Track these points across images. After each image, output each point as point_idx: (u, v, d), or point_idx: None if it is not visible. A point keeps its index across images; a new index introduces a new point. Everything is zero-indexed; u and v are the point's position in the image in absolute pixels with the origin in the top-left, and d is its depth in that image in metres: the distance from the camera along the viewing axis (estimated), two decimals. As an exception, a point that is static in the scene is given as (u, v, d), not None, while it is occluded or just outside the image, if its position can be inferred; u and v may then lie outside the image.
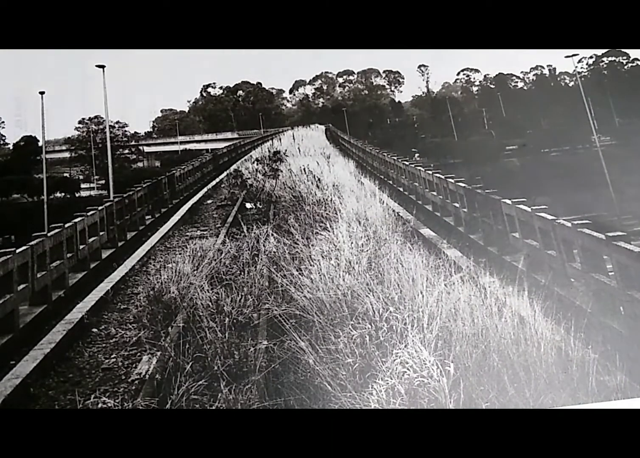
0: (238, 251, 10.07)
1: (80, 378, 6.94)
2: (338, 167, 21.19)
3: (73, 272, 10.70)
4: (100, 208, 12.90)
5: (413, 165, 17.60)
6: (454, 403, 4.94)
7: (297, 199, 15.36)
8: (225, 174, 26.32)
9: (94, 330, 8.39)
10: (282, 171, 20.95)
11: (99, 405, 5.79)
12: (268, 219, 13.87)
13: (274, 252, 9.66)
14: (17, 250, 8.60)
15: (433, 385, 5.09)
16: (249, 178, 21.69)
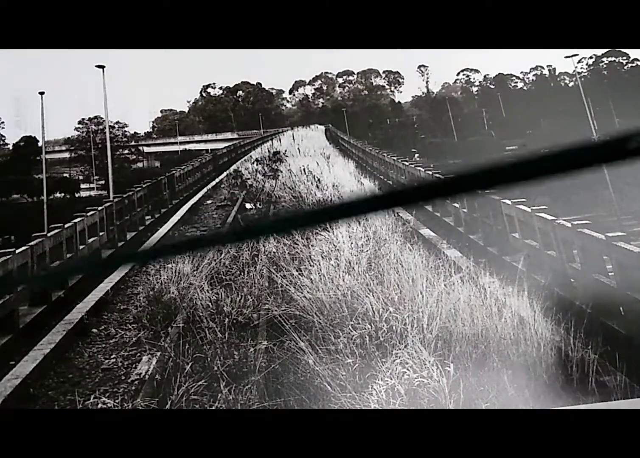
0: (238, 251, 10.06)
1: (80, 378, 6.93)
2: (338, 168, 21.21)
3: (73, 273, 10.70)
4: (100, 208, 12.90)
5: (413, 166, 17.61)
6: (453, 403, 4.94)
7: (296, 199, 15.37)
8: (225, 174, 26.31)
9: (94, 330, 8.38)
10: (281, 171, 20.97)
11: (99, 406, 5.79)
12: (268, 219, 13.86)
13: (274, 252, 9.66)
14: (17, 251, 8.60)
15: (433, 385, 5.09)
16: (248, 178, 21.69)
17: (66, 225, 10.74)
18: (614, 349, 5.92)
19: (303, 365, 5.90)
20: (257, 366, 6.09)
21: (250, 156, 30.31)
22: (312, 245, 9.43)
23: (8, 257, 8.19)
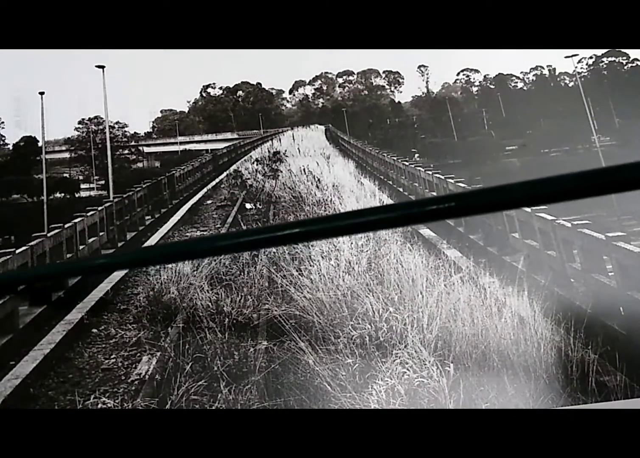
0: (238, 251, 10.06)
1: (80, 378, 6.93)
2: (338, 168, 21.19)
3: (73, 273, 10.69)
4: (100, 208, 12.90)
5: (413, 166, 17.61)
6: (453, 403, 4.94)
7: (296, 200, 15.37)
8: (225, 174, 26.27)
9: (94, 330, 8.38)
10: (281, 171, 20.94)
11: (99, 406, 5.79)
12: (268, 219, 13.86)
13: (274, 252, 9.65)
14: (17, 251, 8.60)
15: (433, 385, 5.09)
16: (248, 178, 21.67)
17: (66, 225, 10.74)
18: (614, 349, 5.92)
19: (303, 365, 5.91)
20: (257, 366, 6.09)
21: (250, 156, 30.27)
22: (312, 245, 9.43)
23: (8, 257, 8.19)
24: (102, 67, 24.36)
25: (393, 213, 0.69)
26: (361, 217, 0.69)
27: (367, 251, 8.77)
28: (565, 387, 5.34)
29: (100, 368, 7.13)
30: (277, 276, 8.10)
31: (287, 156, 26.30)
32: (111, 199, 14.84)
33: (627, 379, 5.50)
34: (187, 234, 14.70)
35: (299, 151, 28.06)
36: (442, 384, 5.07)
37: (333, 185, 16.43)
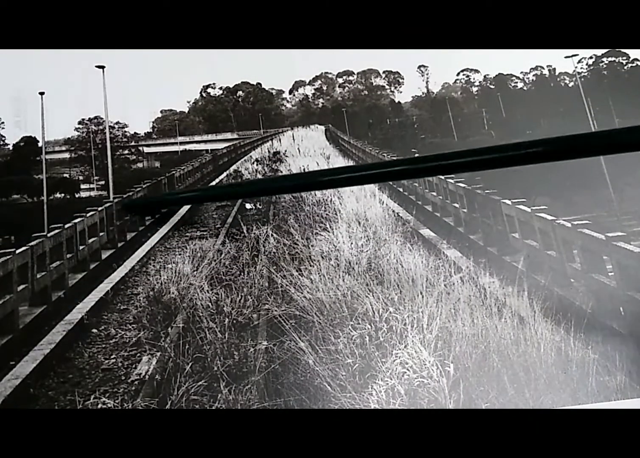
0: (238, 251, 10.06)
1: (80, 378, 6.93)
2: (338, 168, 21.14)
3: (73, 273, 10.69)
4: (100, 209, 12.89)
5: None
6: (453, 403, 4.94)
7: (296, 199, 15.36)
8: (225, 174, 26.30)
9: (94, 330, 8.38)
10: (281, 172, 20.94)
11: (99, 406, 5.79)
12: (268, 219, 13.86)
13: (274, 252, 9.66)
14: (17, 251, 8.59)
15: (433, 385, 5.09)
16: (248, 178, 21.65)
17: (66, 226, 10.74)
18: (614, 349, 5.92)
19: (303, 365, 5.91)
20: (257, 366, 6.09)
21: (250, 156, 30.29)
22: (312, 245, 9.43)
23: (8, 257, 8.19)
24: (102, 67, 24.33)
25: (479, 156, 0.71)
26: (445, 159, 0.70)
27: (367, 251, 8.77)
28: (565, 387, 5.34)
29: (100, 368, 7.14)
30: (277, 276, 8.10)
31: (287, 156, 26.33)
32: (111, 199, 14.85)
33: (627, 379, 5.50)
34: (187, 234, 14.70)
35: (299, 151, 28.09)
36: (442, 384, 5.07)
37: (333, 185, 16.38)
